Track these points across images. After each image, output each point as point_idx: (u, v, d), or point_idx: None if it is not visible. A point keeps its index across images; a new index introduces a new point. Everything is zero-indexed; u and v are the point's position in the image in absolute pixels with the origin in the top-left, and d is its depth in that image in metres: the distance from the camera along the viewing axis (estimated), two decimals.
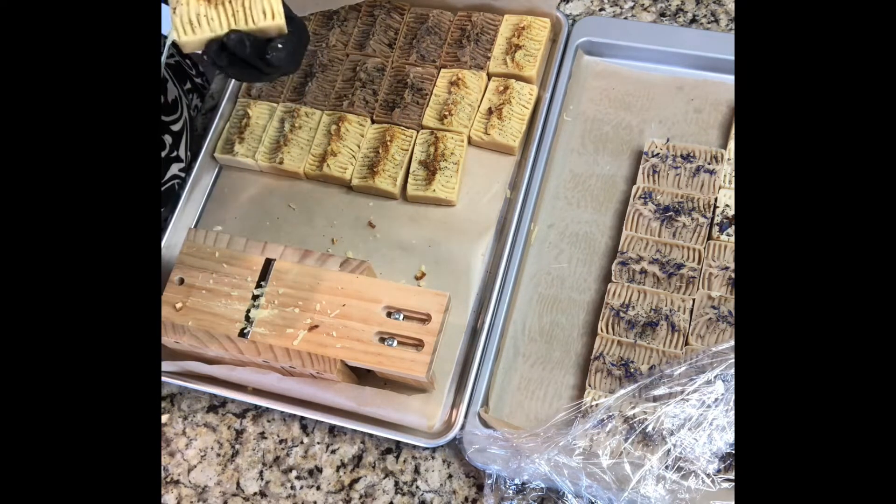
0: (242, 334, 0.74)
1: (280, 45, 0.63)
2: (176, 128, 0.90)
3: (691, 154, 0.84)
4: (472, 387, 0.78)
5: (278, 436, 0.81)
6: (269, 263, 0.77)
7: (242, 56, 0.62)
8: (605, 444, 0.71)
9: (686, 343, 0.76)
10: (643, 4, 0.96)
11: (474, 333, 0.81)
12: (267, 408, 0.81)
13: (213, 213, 0.92)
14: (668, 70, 0.91)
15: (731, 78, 0.89)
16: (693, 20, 0.94)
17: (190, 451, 0.81)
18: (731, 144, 0.84)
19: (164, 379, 0.81)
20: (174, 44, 0.62)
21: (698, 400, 0.71)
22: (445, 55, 0.93)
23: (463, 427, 0.76)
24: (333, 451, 0.80)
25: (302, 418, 0.81)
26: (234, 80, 0.97)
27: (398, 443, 0.79)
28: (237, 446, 0.81)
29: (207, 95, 1.01)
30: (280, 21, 0.62)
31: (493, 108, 0.89)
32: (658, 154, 0.85)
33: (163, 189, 0.90)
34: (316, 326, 0.73)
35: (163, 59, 0.64)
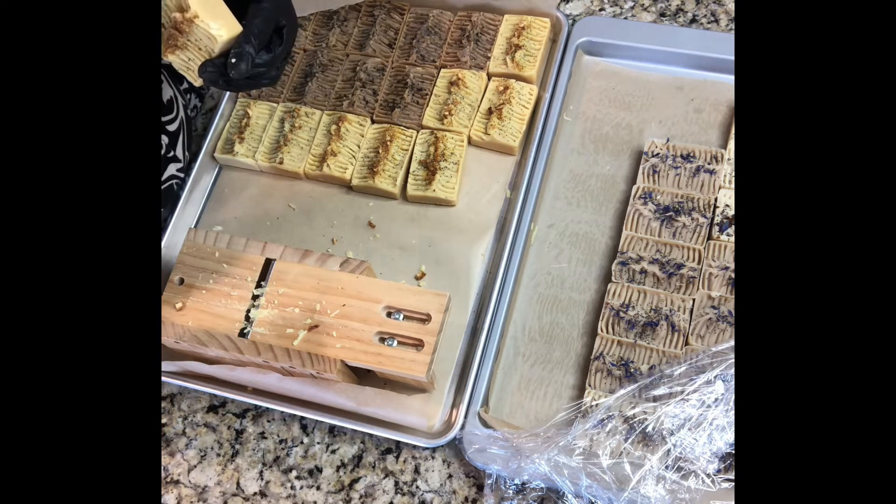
0: (242, 334, 0.74)
1: (234, 61, 0.65)
2: (172, 128, 0.90)
3: (691, 154, 0.84)
4: (472, 387, 0.78)
5: (278, 436, 0.81)
6: (269, 263, 0.77)
7: (227, 78, 0.66)
8: (605, 444, 0.71)
9: (686, 343, 0.76)
10: (643, 4, 0.96)
11: (474, 333, 0.81)
12: (267, 408, 0.81)
13: (213, 213, 0.92)
14: (668, 70, 0.91)
15: (731, 78, 0.89)
16: (693, 20, 0.94)
17: (190, 451, 0.81)
18: (731, 144, 0.84)
19: (164, 379, 0.81)
20: None
21: (698, 400, 0.71)
22: (445, 55, 0.93)
23: (463, 427, 0.76)
24: (333, 451, 0.80)
25: (302, 418, 0.81)
26: None
27: (398, 443, 0.79)
28: (237, 446, 0.81)
29: (207, 95, 1.01)
30: (224, 33, 0.65)
31: (493, 108, 0.89)
32: (658, 154, 0.85)
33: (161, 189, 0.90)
34: (316, 326, 0.73)
35: None
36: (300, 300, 0.75)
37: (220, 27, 0.65)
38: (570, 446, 0.71)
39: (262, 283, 0.76)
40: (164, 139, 0.89)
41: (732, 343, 0.73)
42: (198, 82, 0.67)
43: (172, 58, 0.66)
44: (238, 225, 0.91)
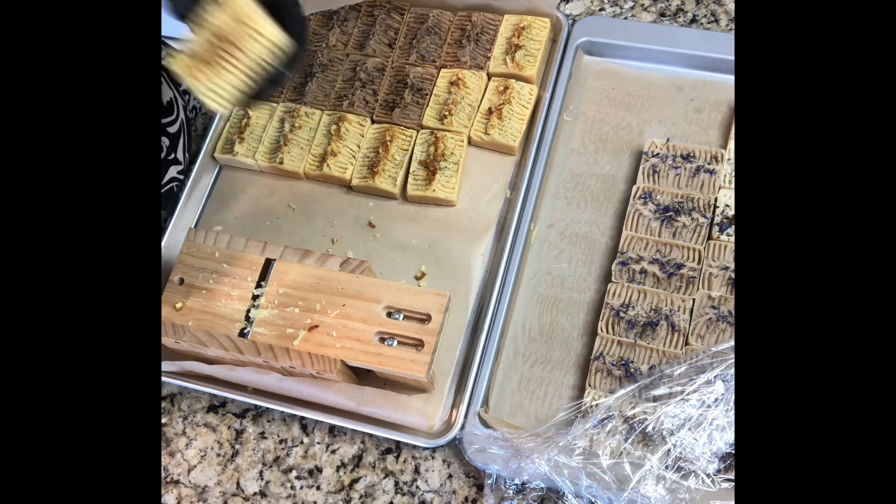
0: (242, 334, 0.74)
1: (272, 66, 0.60)
2: (172, 130, 0.90)
3: (691, 154, 0.84)
4: (472, 387, 0.78)
5: (278, 436, 0.81)
6: (269, 263, 0.77)
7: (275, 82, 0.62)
8: (605, 444, 0.71)
9: (686, 343, 0.76)
10: (643, 4, 0.96)
11: (474, 333, 0.81)
12: (267, 408, 0.81)
13: (213, 213, 0.92)
14: (668, 70, 0.91)
15: (731, 78, 0.89)
16: (693, 20, 0.94)
17: (190, 451, 0.81)
18: (731, 144, 0.84)
19: (164, 379, 0.81)
20: (164, 42, 0.61)
21: (698, 400, 0.71)
22: (445, 55, 0.93)
23: (463, 427, 0.76)
24: (333, 451, 0.80)
25: (302, 418, 0.81)
26: None
27: (398, 443, 0.79)
28: (237, 446, 0.81)
29: None
30: (281, 39, 0.58)
31: (493, 108, 0.89)
32: (658, 154, 0.85)
33: (161, 192, 0.90)
34: (316, 326, 0.73)
35: None
36: (300, 300, 0.75)
37: (281, 34, 0.56)
38: (570, 446, 0.71)
39: (262, 283, 0.76)
40: (165, 141, 0.90)
41: (732, 343, 0.73)
42: (225, 108, 0.60)
43: (195, 83, 0.56)
44: (238, 225, 0.91)
